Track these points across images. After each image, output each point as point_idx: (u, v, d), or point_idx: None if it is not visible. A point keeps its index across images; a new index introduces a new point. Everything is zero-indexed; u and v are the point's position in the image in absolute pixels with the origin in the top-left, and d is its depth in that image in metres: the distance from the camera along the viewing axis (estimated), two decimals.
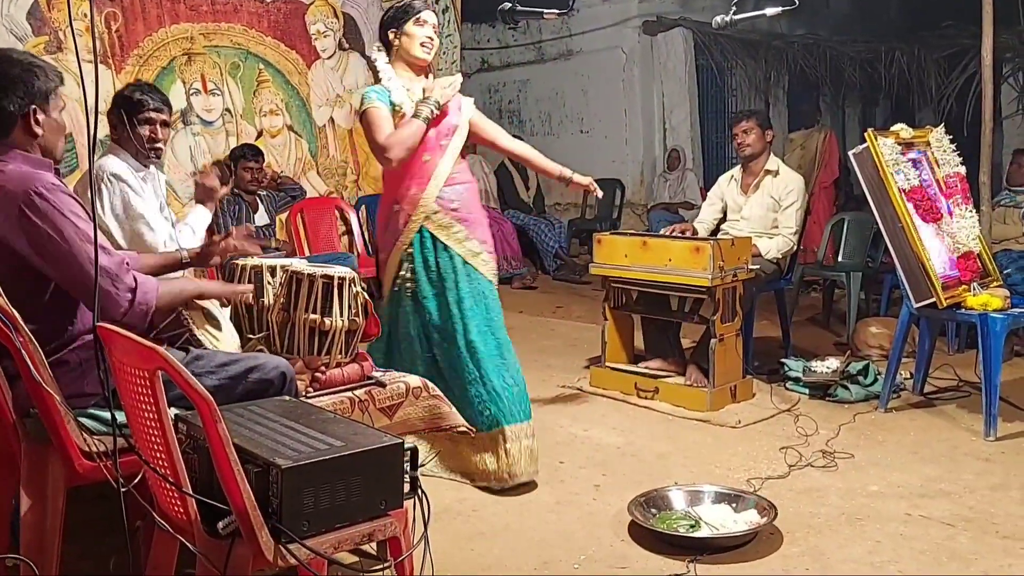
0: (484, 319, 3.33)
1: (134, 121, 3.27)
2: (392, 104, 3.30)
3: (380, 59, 3.40)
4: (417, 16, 3.32)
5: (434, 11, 3.45)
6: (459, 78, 3.46)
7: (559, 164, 3.74)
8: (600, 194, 3.77)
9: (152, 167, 3.41)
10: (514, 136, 9.30)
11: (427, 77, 3.43)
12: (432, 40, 3.37)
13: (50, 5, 5.36)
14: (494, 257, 3.45)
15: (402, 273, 3.35)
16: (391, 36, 3.38)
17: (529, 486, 3.30)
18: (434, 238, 3.33)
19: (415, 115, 3.25)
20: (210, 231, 3.50)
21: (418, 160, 3.31)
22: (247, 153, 5.59)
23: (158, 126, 3.31)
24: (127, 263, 2.25)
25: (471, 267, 3.34)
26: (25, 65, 2.25)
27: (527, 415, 3.34)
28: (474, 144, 4.02)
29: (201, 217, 3.55)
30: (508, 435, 3.26)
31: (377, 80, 3.41)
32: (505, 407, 3.28)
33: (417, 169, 3.32)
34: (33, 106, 2.24)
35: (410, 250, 3.33)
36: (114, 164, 3.28)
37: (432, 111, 3.25)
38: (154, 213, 3.30)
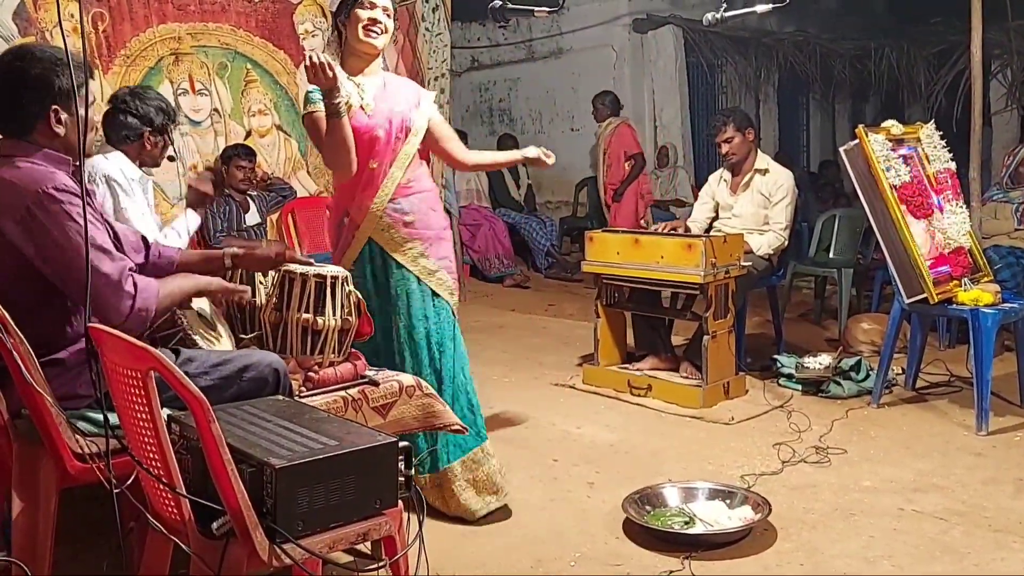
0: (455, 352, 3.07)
1: (152, 136, 3.39)
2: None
3: (328, 51, 3.00)
4: None
5: None
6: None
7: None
8: (552, 161, 3.27)
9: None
10: (505, 135, 8.93)
11: (384, 69, 3.10)
12: (379, 24, 2.94)
13: (36, 5, 5.31)
14: (454, 276, 3.14)
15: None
16: (339, 24, 3.01)
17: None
18: (384, 253, 3.02)
19: (328, 112, 2.80)
20: (202, 233, 3.50)
21: (364, 167, 2.96)
22: (240, 152, 5.57)
23: (166, 135, 3.45)
24: (130, 269, 2.22)
25: (426, 287, 3.04)
26: (48, 63, 2.18)
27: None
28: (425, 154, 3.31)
29: (192, 222, 3.52)
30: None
31: None
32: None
33: (366, 177, 2.99)
34: (55, 106, 2.19)
35: (355, 266, 3.01)
36: (107, 166, 3.28)
37: (339, 103, 2.79)
38: (139, 216, 3.30)
